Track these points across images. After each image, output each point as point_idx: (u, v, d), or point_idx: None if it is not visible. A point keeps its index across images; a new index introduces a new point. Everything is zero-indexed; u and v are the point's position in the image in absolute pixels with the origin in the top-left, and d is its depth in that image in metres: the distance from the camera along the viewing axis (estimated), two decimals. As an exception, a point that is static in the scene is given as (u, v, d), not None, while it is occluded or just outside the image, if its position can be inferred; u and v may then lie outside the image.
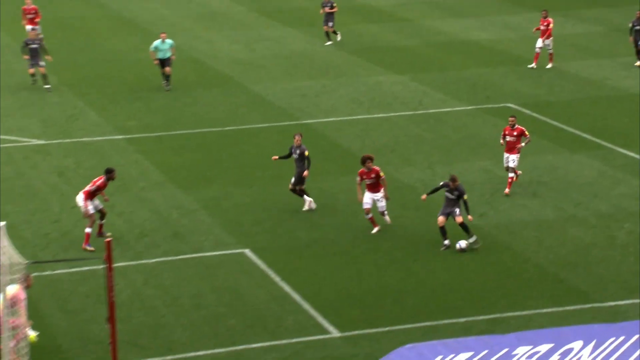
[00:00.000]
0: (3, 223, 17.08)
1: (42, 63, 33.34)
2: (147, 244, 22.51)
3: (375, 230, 22.83)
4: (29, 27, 37.61)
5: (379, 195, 22.80)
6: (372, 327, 18.99)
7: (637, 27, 36.80)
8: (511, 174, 25.08)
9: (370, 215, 22.84)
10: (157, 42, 33.83)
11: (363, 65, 37.92)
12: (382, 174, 22.80)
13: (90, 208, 22.22)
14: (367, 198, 22.84)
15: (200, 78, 35.93)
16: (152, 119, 31.45)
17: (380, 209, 22.92)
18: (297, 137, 24.35)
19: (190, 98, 33.46)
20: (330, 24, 40.22)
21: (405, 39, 41.96)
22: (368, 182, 22.80)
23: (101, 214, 22.59)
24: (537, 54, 36.76)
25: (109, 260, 15.55)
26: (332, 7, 39.99)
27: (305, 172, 24.04)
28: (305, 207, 24.21)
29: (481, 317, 19.25)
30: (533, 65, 36.79)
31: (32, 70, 33.54)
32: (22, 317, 16.98)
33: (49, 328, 18.74)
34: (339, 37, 40.45)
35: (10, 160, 27.50)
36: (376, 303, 20.04)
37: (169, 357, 17.95)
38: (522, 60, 37.77)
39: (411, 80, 35.73)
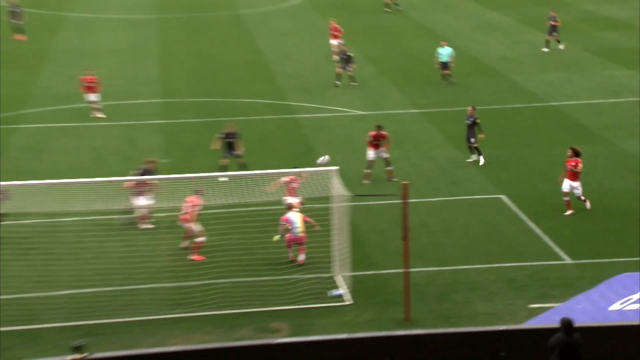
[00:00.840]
0: (336, 167, 17.89)
1: (348, 68, 32.10)
2: (431, 187, 22.63)
3: (568, 212, 20.20)
4: (333, 42, 36.02)
5: (576, 184, 20.26)
6: (598, 258, 18.18)
7: None
8: None
9: (566, 199, 20.33)
10: (439, 48, 33.24)
11: (599, 62, 35.80)
12: (580, 166, 20.18)
13: (371, 156, 22.58)
14: (565, 184, 20.34)
15: (474, 70, 35.37)
16: (438, 98, 31.38)
17: (576, 195, 20.33)
18: (470, 108, 23.62)
19: (466, 84, 33.07)
20: (554, 34, 37.92)
21: (637, 43, 39.06)
22: (568, 169, 20.51)
23: (386, 162, 22.71)
24: None
25: (405, 197, 15.83)
26: (555, 21, 37.78)
27: (481, 135, 23.63)
28: (474, 159, 23.59)
29: (689, 258, 17.88)
30: None
31: (339, 71, 32.36)
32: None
33: (365, 242, 19.34)
34: (561, 46, 37.78)
35: (341, 125, 28.39)
36: (601, 240, 19.15)
37: (444, 268, 18.06)
38: None
39: None
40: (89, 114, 28.57)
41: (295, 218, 18.06)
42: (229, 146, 22.93)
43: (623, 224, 19.90)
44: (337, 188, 17.34)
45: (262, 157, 24.94)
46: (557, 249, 18.74)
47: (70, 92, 31.08)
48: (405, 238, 15.79)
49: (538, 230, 19.72)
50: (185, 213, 18.64)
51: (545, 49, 37.93)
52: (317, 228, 17.96)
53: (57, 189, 17.76)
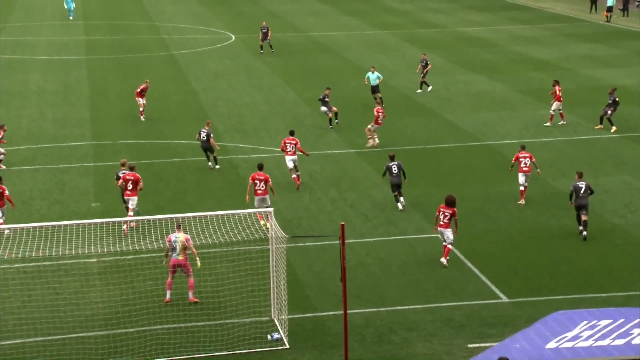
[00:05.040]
0: (271, 209, 17.85)
1: (332, 111, 32.24)
2: (369, 227, 22.78)
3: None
4: (141, 99, 33.19)
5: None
6: (533, 296, 18.53)
7: None
8: None
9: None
10: (368, 73, 35.90)
11: (531, 102, 36.86)
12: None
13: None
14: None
15: (409, 109, 36.02)
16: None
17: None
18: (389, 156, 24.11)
19: (402, 124, 33.62)
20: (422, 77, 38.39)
21: (564, 84, 40.37)
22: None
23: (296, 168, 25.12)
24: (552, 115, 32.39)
25: (342, 238, 15.87)
26: (426, 64, 38.26)
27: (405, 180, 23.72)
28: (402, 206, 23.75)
29: (619, 294, 18.40)
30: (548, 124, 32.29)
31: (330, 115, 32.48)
32: (193, 252, 17.98)
33: (300, 282, 19.27)
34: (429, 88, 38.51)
35: (280, 165, 27.91)
36: (536, 278, 19.53)
37: (382, 309, 18.13)
38: (657, 99, 35.49)
39: (568, 113, 34.41)
40: None
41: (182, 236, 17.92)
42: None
43: (556, 262, 20.38)
44: (274, 229, 17.29)
45: (198, 199, 24.79)
46: (493, 287, 19.04)
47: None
48: (343, 279, 15.79)
49: (475, 269, 20.00)
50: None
51: (419, 90, 38.50)
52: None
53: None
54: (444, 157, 29.34)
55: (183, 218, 19.25)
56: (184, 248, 17.87)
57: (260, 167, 22.83)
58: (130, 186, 22.06)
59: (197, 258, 18.15)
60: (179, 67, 44.28)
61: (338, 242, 15.93)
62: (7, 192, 21.84)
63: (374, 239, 21.89)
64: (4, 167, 27.20)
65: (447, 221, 20.14)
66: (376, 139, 29.90)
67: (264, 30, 47.49)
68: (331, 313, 17.65)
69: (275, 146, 30.29)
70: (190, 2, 69.15)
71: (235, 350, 16.23)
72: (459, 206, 24.11)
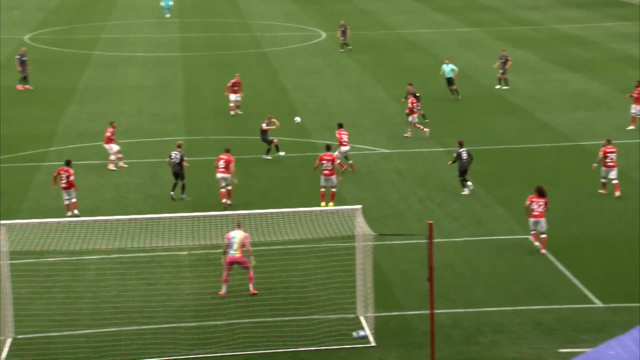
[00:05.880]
0: (359, 206, 17.83)
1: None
2: (456, 227, 22.49)
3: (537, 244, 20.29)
4: (233, 96, 33.71)
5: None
6: (630, 302, 17.87)
7: None
8: None
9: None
10: (443, 66, 36.06)
11: (629, 101, 35.53)
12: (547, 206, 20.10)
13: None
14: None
15: (501, 108, 35.35)
16: (463, 137, 31.13)
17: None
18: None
19: (492, 122, 33.01)
20: (501, 71, 37.56)
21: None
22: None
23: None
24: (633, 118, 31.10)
25: (430, 237, 15.72)
26: (507, 60, 37.32)
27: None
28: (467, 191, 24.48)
29: None
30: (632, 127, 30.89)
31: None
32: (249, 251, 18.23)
33: (387, 281, 19.20)
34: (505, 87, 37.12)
35: (366, 163, 28.00)
36: (633, 283, 18.82)
37: (470, 310, 17.87)
38: None
39: (668, 113, 33.02)
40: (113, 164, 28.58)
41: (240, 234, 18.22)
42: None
43: (654, 266, 19.60)
44: (361, 227, 17.27)
45: (287, 195, 25.03)
46: (586, 292, 18.48)
47: (94, 130, 31.49)
48: (430, 278, 15.63)
49: (567, 272, 19.46)
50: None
51: (498, 86, 37.85)
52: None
53: (79, 226, 17.89)
54: (535, 157, 28.68)
55: (272, 214, 19.50)
56: (242, 245, 18.09)
57: (328, 148, 23.77)
58: (222, 164, 23.66)
59: (252, 256, 18.36)
60: (270, 65, 44.80)
61: (425, 241, 15.77)
62: (72, 177, 23.30)
63: (462, 239, 21.59)
64: (123, 165, 27.83)
65: (541, 210, 20.07)
66: (426, 131, 30.27)
67: (342, 29, 47.49)
68: (417, 312, 17.49)
69: (363, 143, 30.32)
70: (283, 0, 69.88)
71: (321, 346, 16.30)
72: (551, 207, 23.56)
